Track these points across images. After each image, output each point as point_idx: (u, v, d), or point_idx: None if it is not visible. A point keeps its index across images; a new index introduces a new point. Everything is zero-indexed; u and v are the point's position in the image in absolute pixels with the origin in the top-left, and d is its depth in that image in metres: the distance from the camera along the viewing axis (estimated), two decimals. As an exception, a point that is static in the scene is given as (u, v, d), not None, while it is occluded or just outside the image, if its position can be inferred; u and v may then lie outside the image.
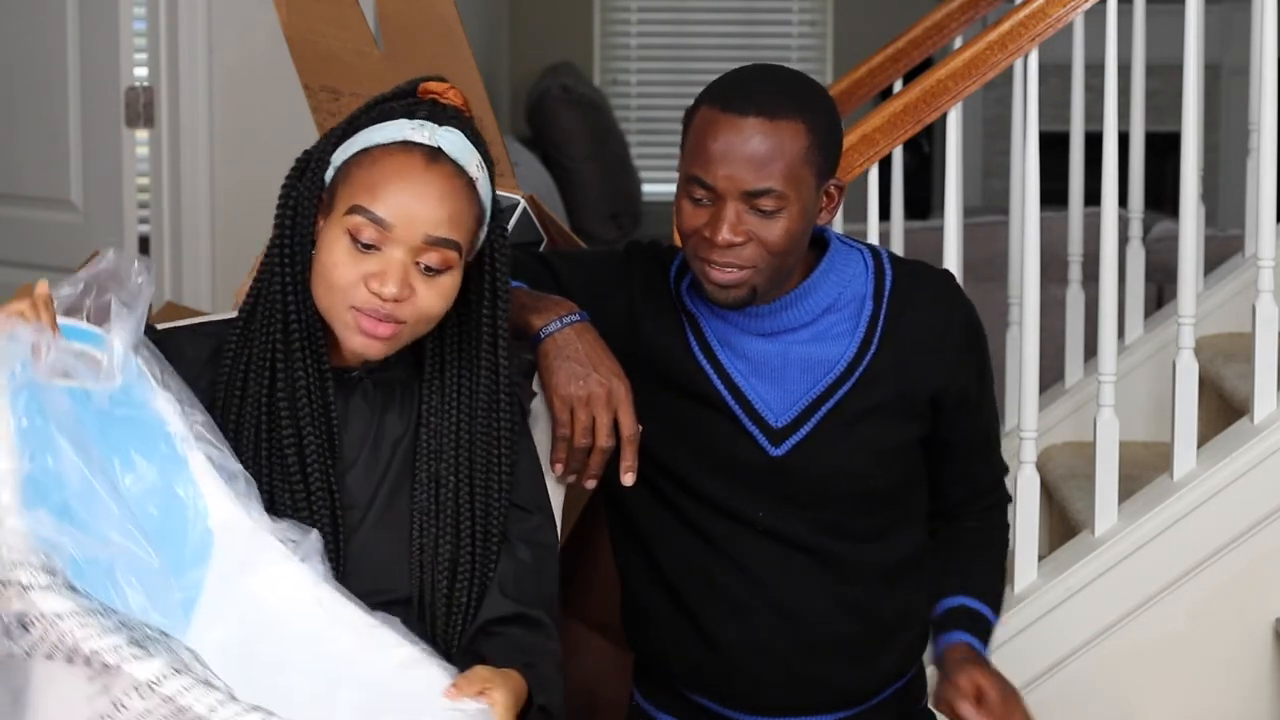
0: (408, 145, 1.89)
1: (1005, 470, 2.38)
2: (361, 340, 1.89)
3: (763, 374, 2.20)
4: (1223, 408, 3.41)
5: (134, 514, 1.75)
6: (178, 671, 1.59)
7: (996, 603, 2.29)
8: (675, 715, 2.30)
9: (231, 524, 1.84)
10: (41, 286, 1.78)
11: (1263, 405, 3.01)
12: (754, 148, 2.05)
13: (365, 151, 1.90)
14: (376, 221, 1.86)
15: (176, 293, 4.12)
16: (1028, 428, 3.01)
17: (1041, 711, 2.99)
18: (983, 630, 2.24)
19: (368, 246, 1.87)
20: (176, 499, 1.82)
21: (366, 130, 1.92)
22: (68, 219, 4.20)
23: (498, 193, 2.64)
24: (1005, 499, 2.38)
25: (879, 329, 2.20)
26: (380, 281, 1.86)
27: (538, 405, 2.15)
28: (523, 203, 2.61)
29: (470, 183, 1.91)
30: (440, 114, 1.93)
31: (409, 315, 1.89)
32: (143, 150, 4.17)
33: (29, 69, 4.22)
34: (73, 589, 1.62)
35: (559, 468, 2.16)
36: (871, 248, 2.26)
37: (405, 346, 1.97)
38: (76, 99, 4.16)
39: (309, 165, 1.96)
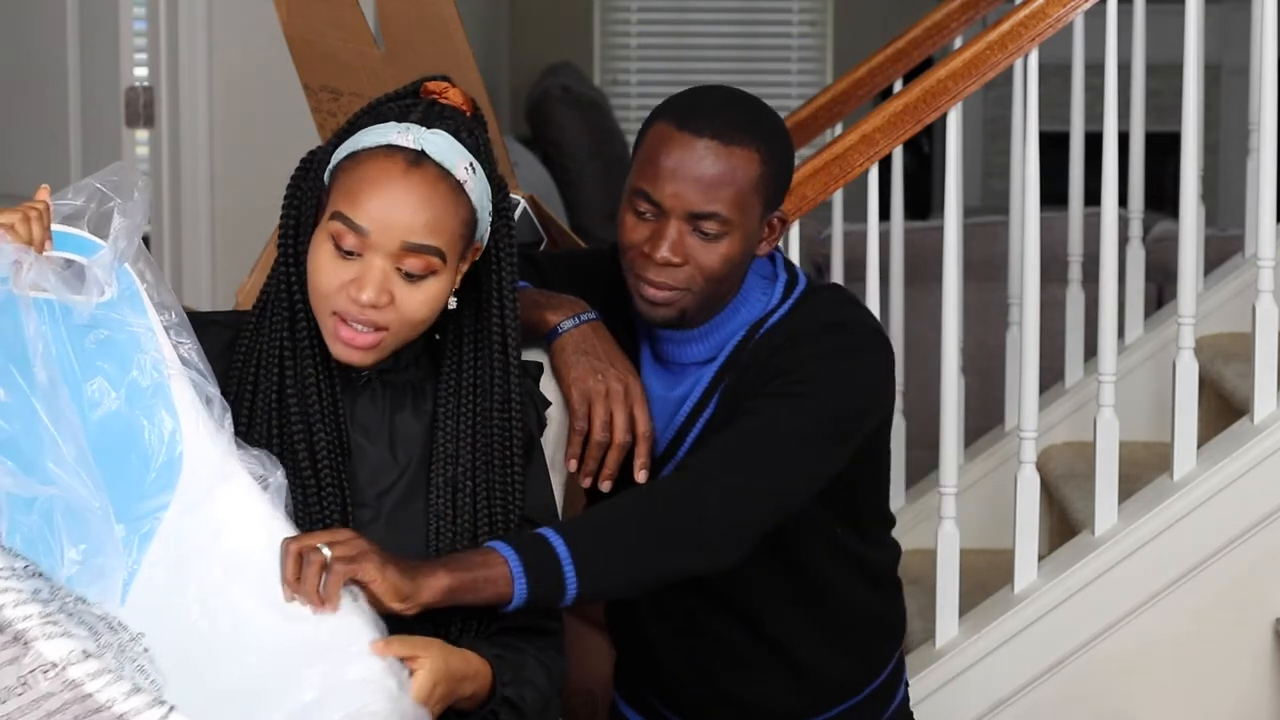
0: (390, 149, 1.88)
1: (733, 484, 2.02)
2: (342, 349, 1.90)
3: (658, 402, 2.19)
4: (1223, 408, 3.41)
5: (87, 446, 1.74)
6: (87, 656, 1.55)
7: (571, 532, 1.95)
8: (642, 715, 2.32)
9: (201, 453, 1.82)
10: (41, 193, 1.78)
11: (1263, 405, 3.01)
12: (705, 170, 2.04)
13: (352, 155, 1.90)
14: (355, 229, 1.86)
15: (176, 292, 4.11)
16: (1028, 428, 3.00)
17: (1041, 711, 3.00)
18: (531, 544, 1.92)
19: (349, 253, 1.87)
20: (140, 426, 1.81)
21: (360, 133, 1.92)
22: (68, 219, 4.20)
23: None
24: (693, 473, 2.03)
25: (739, 362, 2.14)
26: (358, 288, 1.86)
27: (553, 413, 2.14)
28: (523, 203, 2.61)
29: (457, 185, 1.90)
30: (432, 115, 1.92)
31: (390, 321, 1.89)
32: (142, 150, 4.18)
33: (29, 69, 4.22)
34: (1, 547, 1.60)
35: (573, 463, 2.14)
36: (794, 279, 2.19)
37: (419, 349, 1.98)
38: (76, 99, 4.16)
39: (312, 165, 1.97)
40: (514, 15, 7.56)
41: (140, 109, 4.10)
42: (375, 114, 1.94)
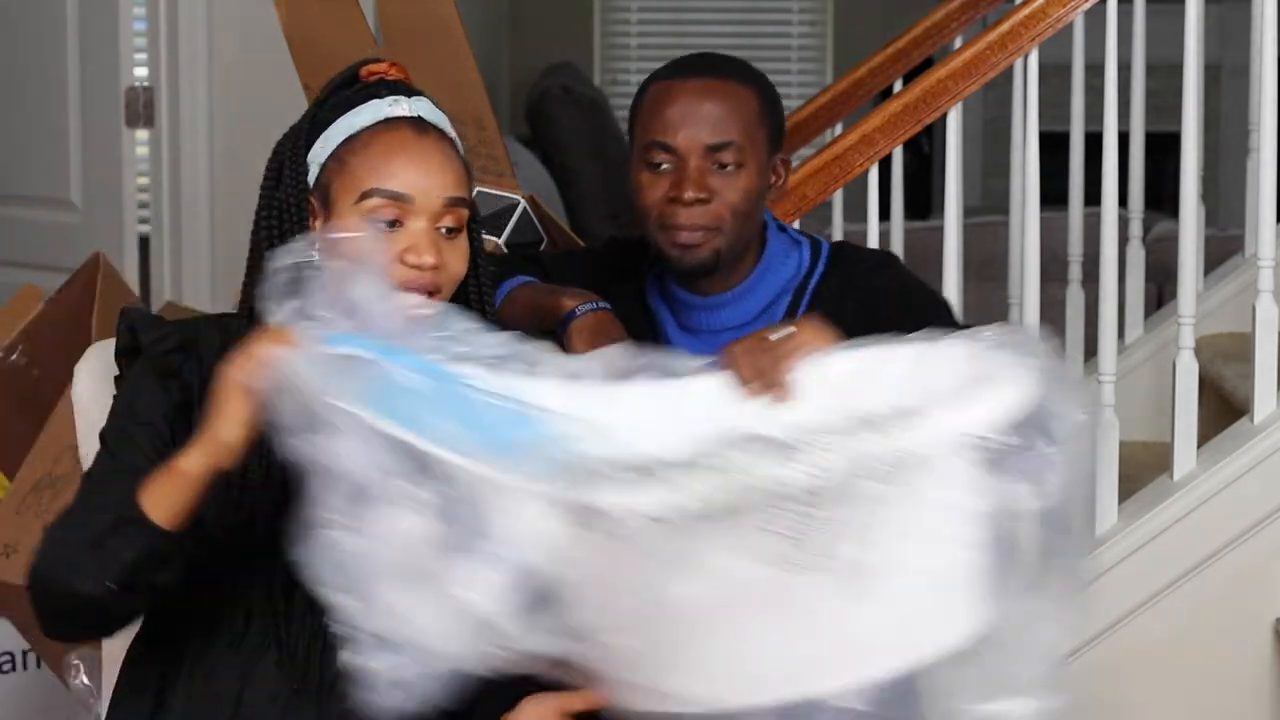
0: (391, 121, 1.90)
1: None
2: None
3: None
4: (1223, 408, 3.41)
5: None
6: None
7: None
8: None
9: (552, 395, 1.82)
10: (277, 334, 1.72)
11: (1263, 405, 3.01)
12: (711, 106, 2.13)
13: (352, 139, 1.90)
14: (395, 197, 1.87)
15: (176, 293, 4.12)
16: (1028, 428, 3.00)
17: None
18: None
19: (391, 224, 1.87)
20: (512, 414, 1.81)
21: (339, 122, 1.92)
22: (68, 219, 4.20)
23: (498, 193, 2.66)
24: None
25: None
26: (416, 254, 1.87)
27: None
28: (523, 203, 2.61)
29: (453, 143, 1.94)
30: (401, 87, 1.94)
31: (442, 283, 1.90)
32: (143, 150, 4.17)
33: (29, 69, 4.22)
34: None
35: None
36: (816, 242, 2.27)
37: None
38: (76, 99, 4.16)
39: (282, 171, 1.93)
40: (514, 15, 7.55)
41: (140, 109, 4.10)
42: (338, 102, 1.92)
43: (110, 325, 2.63)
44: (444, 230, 1.89)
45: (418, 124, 1.91)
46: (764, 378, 1.77)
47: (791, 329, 1.81)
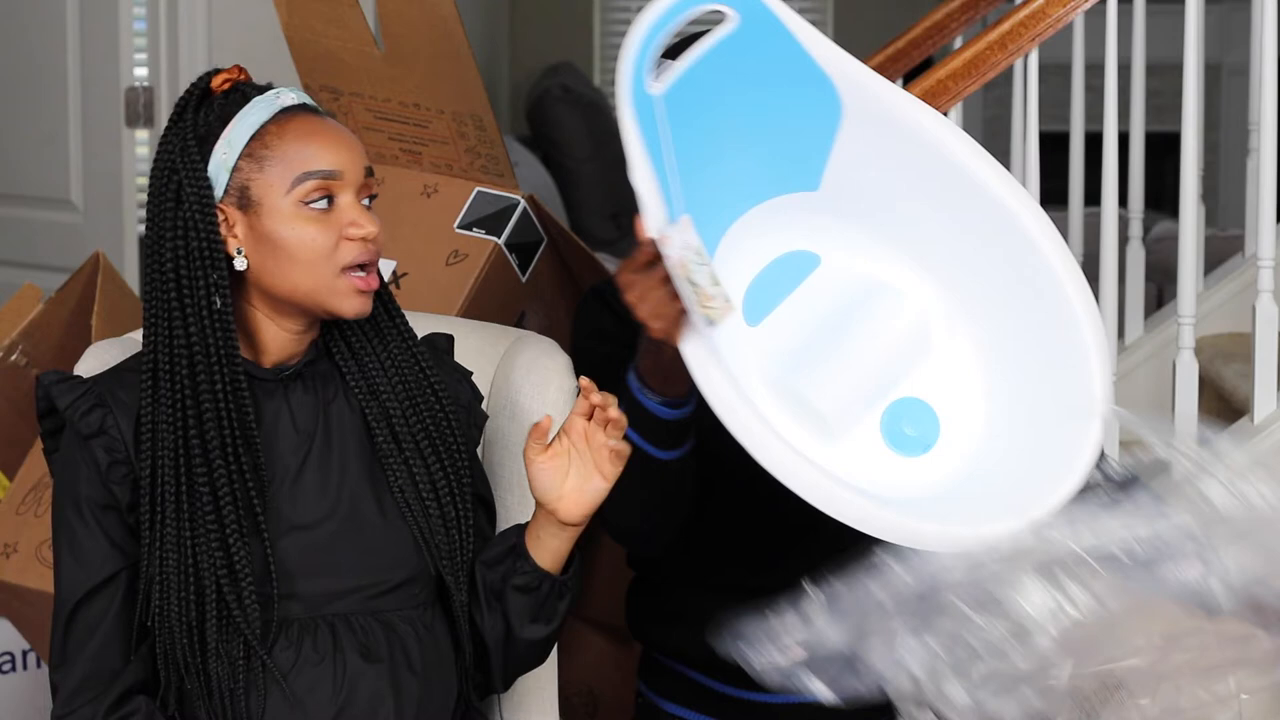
0: (287, 110, 1.90)
1: None
2: (360, 301, 1.89)
3: None
4: (1223, 408, 3.41)
5: None
6: None
7: None
8: (683, 704, 2.31)
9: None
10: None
11: (1263, 405, 3.01)
12: None
13: (259, 135, 1.88)
14: (328, 175, 1.87)
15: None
16: (1028, 428, 3.00)
17: None
18: None
19: (326, 200, 1.87)
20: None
21: (233, 127, 1.88)
22: (68, 219, 4.20)
23: (498, 193, 2.66)
24: None
25: None
26: (357, 226, 1.88)
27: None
28: (523, 203, 2.61)
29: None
30: (265, 86, 1.93)
31: (381, 249, 1.92)
32: (143, 150, 4.18)
33: (29, 69, 4.22)
34: None
35: None
36: None
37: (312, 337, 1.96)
38: (76, 99, 4.16)
39: (180, 191, 1.87)
40: (514, 15, 7.56)
41: (140, 109, 4.10)
42: (213, 115, 1.89)
43: (110, 325, 2.64)
44: (365, 201, 1.91)
45: (309, 109, 1.92)
46: None
47: None
